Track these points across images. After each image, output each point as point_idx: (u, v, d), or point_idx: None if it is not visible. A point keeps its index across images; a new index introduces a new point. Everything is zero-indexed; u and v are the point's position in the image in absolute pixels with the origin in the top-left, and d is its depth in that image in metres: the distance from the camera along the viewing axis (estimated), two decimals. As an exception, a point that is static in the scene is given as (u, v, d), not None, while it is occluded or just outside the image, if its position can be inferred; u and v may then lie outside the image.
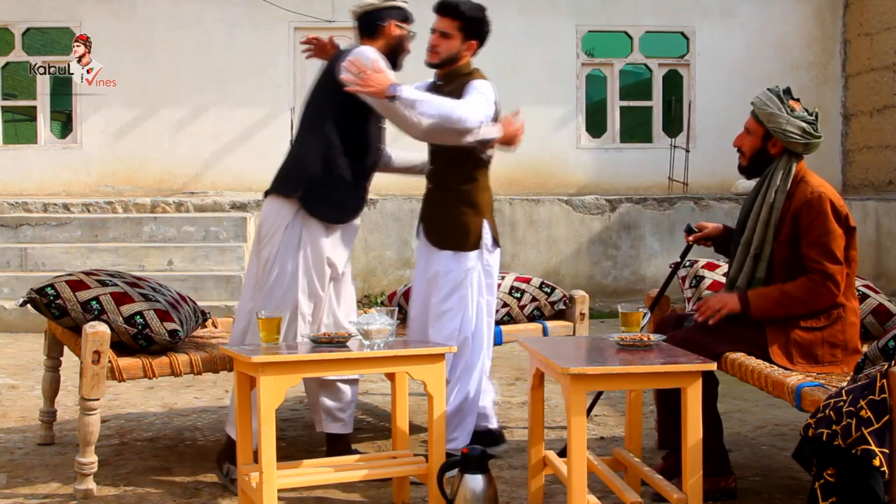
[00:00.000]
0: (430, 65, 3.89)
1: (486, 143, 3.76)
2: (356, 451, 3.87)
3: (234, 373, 3.45)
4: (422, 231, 3.98)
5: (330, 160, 3.66)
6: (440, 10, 3.81)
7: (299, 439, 4.41)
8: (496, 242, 3.93)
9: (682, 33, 11.65)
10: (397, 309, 3.50)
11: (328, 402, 3.79)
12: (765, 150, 3.57)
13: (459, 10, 3.77)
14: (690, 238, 3.96)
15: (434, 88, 3.88)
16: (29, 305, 3.76)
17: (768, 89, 3.60)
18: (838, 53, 11.64)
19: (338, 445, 3.84)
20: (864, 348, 3.42)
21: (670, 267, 4.34)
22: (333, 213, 3.68)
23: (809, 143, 3.51)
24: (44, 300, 3.68)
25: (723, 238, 3.89)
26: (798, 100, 3.59)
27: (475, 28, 3.81)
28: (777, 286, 3.47)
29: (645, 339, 3.19)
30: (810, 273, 3.41)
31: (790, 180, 3.51)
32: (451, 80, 3.86)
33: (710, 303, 3.51)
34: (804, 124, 3.49)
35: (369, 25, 3.77)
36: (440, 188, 3.95)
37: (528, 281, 4.69)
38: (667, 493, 2.99)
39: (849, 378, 2.99)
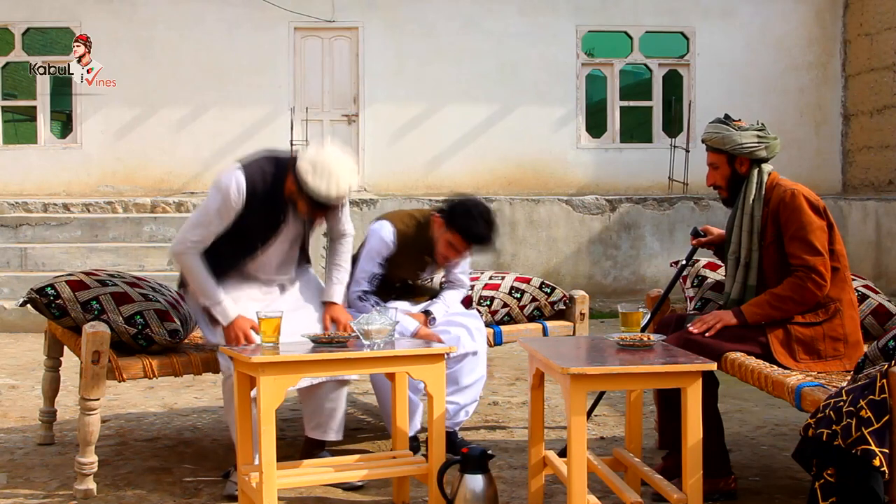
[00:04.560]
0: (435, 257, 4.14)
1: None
2: (328, 454, 3.82)
3: (220, 376, 3.47)
4: None
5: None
6: (479, 242, 4.04)
7: (299, 439, 4.40)
8: None
9: (682, 33, 11.64)
10: (397, 309, 3.50)
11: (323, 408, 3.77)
12: (735, 172, 3.70)
13: (491, 240, 4.06)
14: (695, 242, 4.04)
15: None
16: (29, 305, 3.76)
17: (710, 122, 3.77)
18: (838, 53, 11.63)
19: (315, 449, 3.80)
20: (865, 348, 3.43)
21: (671, 265, 4.38)
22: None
23: (769, 144, 3.65)
24: (44, 300, 3.68)
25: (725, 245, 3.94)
26: (740, 119, 3.74)
27: None
28: (767, 292, 3.54)
29: (645, 339, 3.20)
30: (794, 271, 3.49)
31: (764, 188, 3.64)
32: None
33: (706, 318, 3.55)
34: (755, 132, 3.65)
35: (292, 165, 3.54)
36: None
37: (527, 281, 4.69)
38: (667, 493, 2.99)
39: (849, 377, 2.99)
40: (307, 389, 3.70)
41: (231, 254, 3.66)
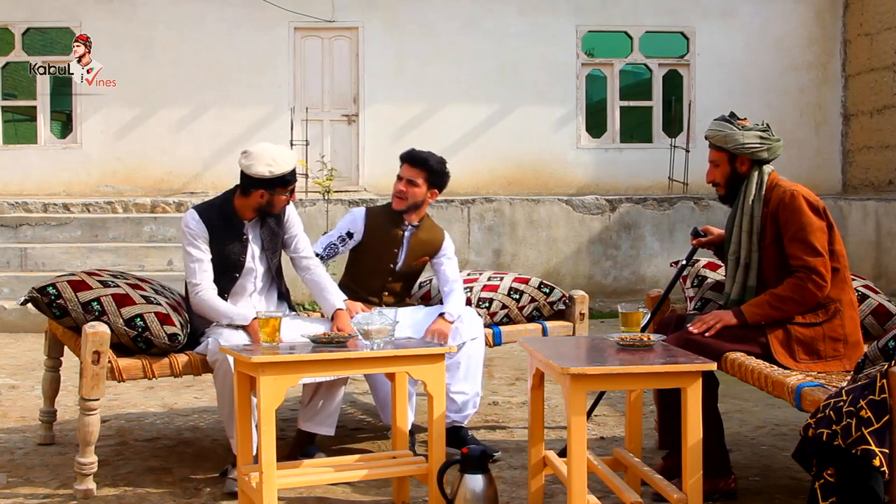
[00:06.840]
0: (397, 210, 4.25)
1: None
2: (319, 450, 3.93)
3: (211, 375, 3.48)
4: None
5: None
6: (410, 160, 4.22)
7: (299, 439, 4.40)
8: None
9: (682, 33, 11.64)
10: (396, 310, 3.51)
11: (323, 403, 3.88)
12: (735, 171, 3.70)
13: (428, 163, 4.20)
14: (695, 242, 4.04)
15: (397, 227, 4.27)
16: (30, 304, 3.76)
17: (715, 119, 3.76)
18: (838, 53, 11.63)
19: (306, 443, 3.94)
20: (865, 348, 3.43)
21: (671, 265, 4.38)
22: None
23: (771, 146, 3.65)
24: (45, 299, 3.68)
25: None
26: (745, 118, 3.73)
27: (438, 179, 4.25)
28: (767, 292, 3.54)
29: (645, 339, 3.20)
30: (794, 272, 3.49)
31: (764, 189, 3.63)
32: (422, 227, 4.34)
33: (706, 318, 3.55)
34: (758, 132, 3.64)
35: (242, 186, 3.86)
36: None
37: (526, 282, 4.68)
38: (667, 493, 2.99)
39: (849, 377, 2.99)
40: (309, 384, 3.82)
41: (220, 285, 3.84)
